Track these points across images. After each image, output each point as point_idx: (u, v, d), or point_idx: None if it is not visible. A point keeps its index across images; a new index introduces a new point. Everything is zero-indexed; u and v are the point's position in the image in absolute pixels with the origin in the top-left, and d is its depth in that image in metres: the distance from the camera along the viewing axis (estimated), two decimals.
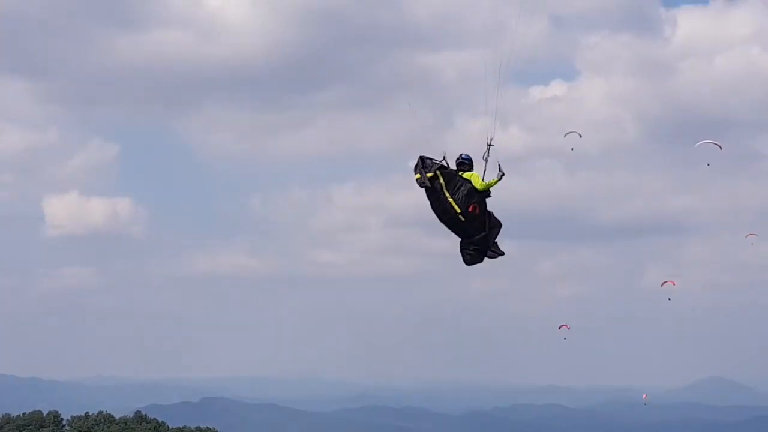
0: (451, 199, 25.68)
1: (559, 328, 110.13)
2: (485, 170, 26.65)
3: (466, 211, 25.81)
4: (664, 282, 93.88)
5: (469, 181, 26.05)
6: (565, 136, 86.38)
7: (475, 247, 26.02)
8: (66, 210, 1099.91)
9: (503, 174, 26.28)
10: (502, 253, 26.20)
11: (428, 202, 26.13)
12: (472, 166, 26.74)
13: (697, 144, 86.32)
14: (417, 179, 25.93)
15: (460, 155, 26.62)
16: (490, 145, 26.32)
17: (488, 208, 26.25)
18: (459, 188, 25.86)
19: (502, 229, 26.32)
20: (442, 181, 25.70)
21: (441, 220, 25.89)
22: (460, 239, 26.22)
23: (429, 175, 25.79)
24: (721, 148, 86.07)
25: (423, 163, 26.09)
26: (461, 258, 26.32)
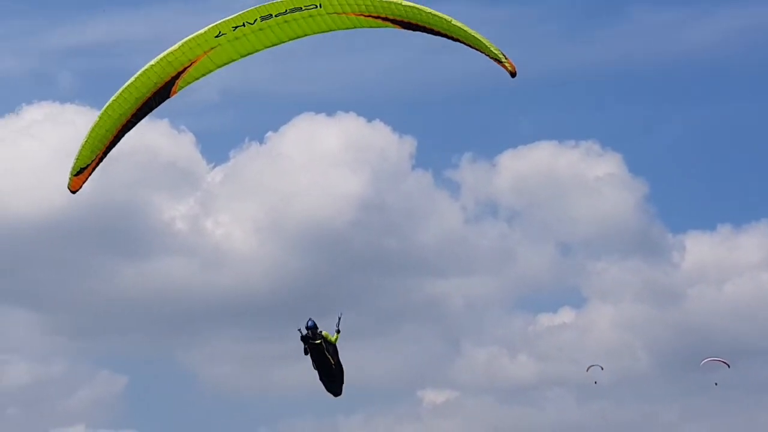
0: (328, 355, 36.52)
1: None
2: (336, 332, 37.23)
3: (334, 362, 36.79)
4: None
5: (327, 339, 36.65)
6: (587, 369, 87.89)
7: (340, 382, 36.95)
8: None
9: (338, 329, 37.19)
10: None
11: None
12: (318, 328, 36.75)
13: (702, 362, 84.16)
14: (304, 349, 36.08)
15: (311, 322, 36.33)
16: (340, 317, 37.21)
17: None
18: (328, 347, 36.54)
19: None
20: (324, 344, 36.29)
21: (318, 367, 36.60)
22: (323, 382, 36.91)
23: (317, 342, 35.96)
24: (729, 365, 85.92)
25: (311, 334, 36.04)
26: (331, 395, 37.35)
